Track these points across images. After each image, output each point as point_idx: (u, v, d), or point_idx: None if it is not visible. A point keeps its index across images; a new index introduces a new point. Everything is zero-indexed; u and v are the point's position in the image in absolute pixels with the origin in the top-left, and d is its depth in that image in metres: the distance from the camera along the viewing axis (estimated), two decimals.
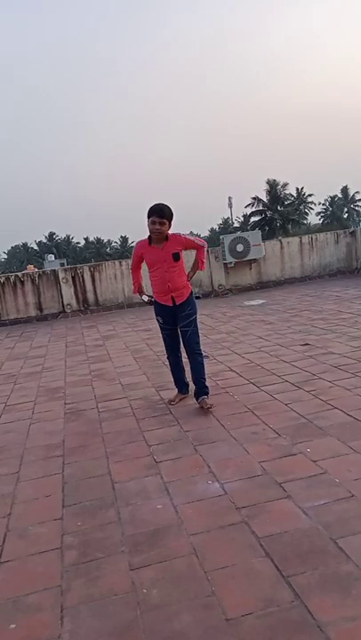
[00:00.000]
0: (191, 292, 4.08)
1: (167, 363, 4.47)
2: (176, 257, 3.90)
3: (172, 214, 3.84)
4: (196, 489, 2.70)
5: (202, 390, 4.01)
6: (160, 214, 3.76)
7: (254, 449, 3.11)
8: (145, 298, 4.31)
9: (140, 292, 4.37)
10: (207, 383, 4.07)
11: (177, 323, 4.07)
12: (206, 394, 4.01)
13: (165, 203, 3.85)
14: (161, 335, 4.29)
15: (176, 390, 4.33)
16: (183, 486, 2.75)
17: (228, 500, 2.55)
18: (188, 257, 4.13)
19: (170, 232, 3.88)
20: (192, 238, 4.09)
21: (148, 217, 3.79)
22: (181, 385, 4.29)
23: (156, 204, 3.81)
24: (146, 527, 2.40)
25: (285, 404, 3.84)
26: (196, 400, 4.03)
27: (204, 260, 4.18)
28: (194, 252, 4.12)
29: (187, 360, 4.14)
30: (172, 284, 3.93)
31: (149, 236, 3.89)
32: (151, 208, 3.80)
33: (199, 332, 4.16)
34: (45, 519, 2.60)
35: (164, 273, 3.91)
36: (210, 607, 1.83)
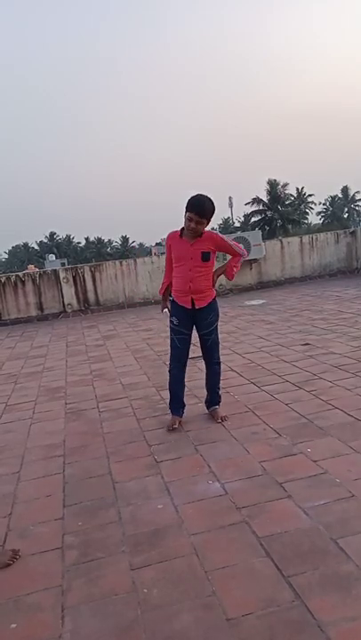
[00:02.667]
0: (214, 299, 3.68)
1: (168, 363, 4.15)
2: (205, 257, 3.49)
3: (213, 212, 3.42)
4: (196, 489, 2.71)
5: (214, 400, 3.79)
6: (200, 212, 3.34)
7: (255, 449, 3.11)
8: (166, 310, 3.81)
9: (164, 299, 3.80)
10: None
11: (196, 329, 3.68)
12: (218, 403, 3.79)
13: (208, 196, 3.41)
14: (170, 340, 3.75)
15: (171, 413, 3.77)
16: (184, 486, 2.76)
17: (229, 499, 2.55)
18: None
19: (206, 229, 3.50)
20: (230, 242, 3.65)
21: (187, 210, 3.37)
22: (180, 406, 3.76)
23: (198, 198, 3.37)
24: (146, 527, 2.41)
25: (286, 404, 3.84)
26: (207, 409, 3.84)
27: (235, 268, 3.69)
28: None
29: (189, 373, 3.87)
30: (193, 285, 3.52)
31: (182, 228, 3.51)
32: (192, 202, 3.35)
33: (220, 339, 3.82)
34: (46, 519, 2.61)
35: (187, 271, 3.51)
36: (210, 607, 1.84)
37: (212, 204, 3.42)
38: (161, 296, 3.87)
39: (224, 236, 3.68)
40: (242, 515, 2.40)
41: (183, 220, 3.44)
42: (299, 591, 1.86)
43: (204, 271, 3.55)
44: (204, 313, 3.63)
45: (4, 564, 2.25)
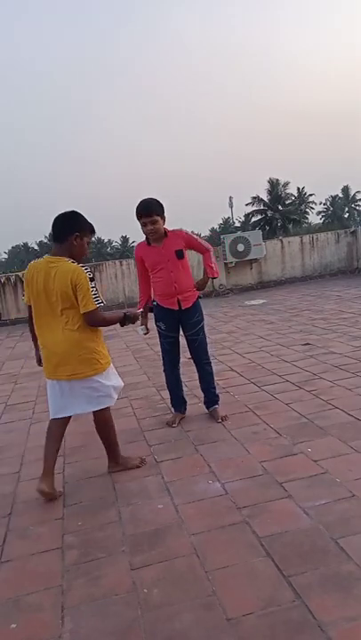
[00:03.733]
0: (198, 297, 3.70)
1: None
2: (180, 254, 3.51)
3: (162, 207, 3.43)
4: (196, 489, 2.70)
5: (212, 399, 3.79)
6: (148, 212, 3.36)
7: (255, 449, 3.11)
8: (140, 330, 3.65)
9: (145, 312, 3.69)
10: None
11: (182, 330, 3.70)
12: (217, 402, 3.79)
13: (152, 197, 3.44)
14: (160, 344, 3.82)
15: (173, 410, 3.88)
16: (184, 486, 2.75)
17: (229, 499, 2.55)
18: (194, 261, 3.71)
19: (169, 228, 3.52)
20: (196, 237, 3.69)
21: (138, 219, 3.42)
22: (180, 403, 3.83)
23: (140, 202, 3.40)
24: (146, 527, 2.40)
25: (286, 404, 3.83)
26: (207, 409, 3.84)
27: (213, 265, 3.63)
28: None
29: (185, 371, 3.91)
30: (178, 285, 3.53)
31: (147, 237, 3.54)
32: (137, 209, 3.40)
33: (207, 339, 3.83)
34: (46, 519, 2.60)
35: (169, 273, 3.51)
36: (211, 607, 1.83)
37: (157, 201, 3.44)
38: (142, 312, 3.63)
39: (189, 231, 3.66)
40: (242, 515, 2.40)
41: (142, 231, 3.48)
42: (299, 591, 1.85)
43: (183, 269, 3.57)
44: (190, 314, 3.65)
45: (135, 465, 3.02)
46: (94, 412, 2.94)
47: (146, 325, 3.68)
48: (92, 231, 2.88)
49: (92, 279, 2.68)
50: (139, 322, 3.61)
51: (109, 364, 2.94)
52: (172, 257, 3.51)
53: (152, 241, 3.53)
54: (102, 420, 3.00)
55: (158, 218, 3.41)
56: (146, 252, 3.59)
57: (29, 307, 2.86)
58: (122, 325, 2.95)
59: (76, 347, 2.73)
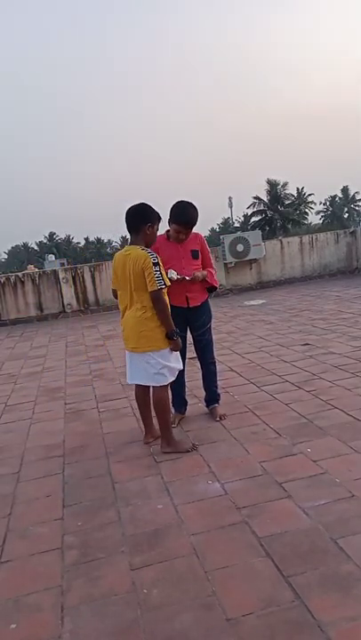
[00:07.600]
0: (207, 299, 3.76)
1: None
2: (195, 254, 3.59)
3: (197, 218, 3.50)
4: (196, 489, 2.71)
5: (213, 397, 3.85)
6: (187, 226, 3.46)
7: (255, 449, 3.11)
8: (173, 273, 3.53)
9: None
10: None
11: (190, 330, 3.75)
12: (217, 401, 3.85)
13: (189, 201, 3.50)
14: None
15: (173, 410, 3.79)
16: (183, 486, 2.76)
17: (229, 499, 2.55)
18: None
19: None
20: (208, 249, 3.74)
21: (173, 222, 3.45)
22: (181, 404, 3.85)
23: (182, 210, 3.45)
24: (146, 527, 2.41)
25: (286, 404, 3.84)
26: (207, 407, 3.89)
27: (214, 277, 3.74)
28: None
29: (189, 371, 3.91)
30: (188, 283, 3.56)
31: (168, 230, 3.59)
32: (177, 214, 3.44)
33: (213, 339, 3.89)
34: (46, 519, 2.61)
35: (181, 270, 3.54)
36: (210, 607, 1.84)
37: (196, 210, 3.50)
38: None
39: (206, 244, 3.73)
40: (242, 515, 2.40)
41: (169, 228, 3.52)
42: (299, 591, 1.86)
43: (196, 269, 3.59)
44: (198, 313, 3.70)
45: (184, 449, 3.18)
46: (152, 389, 3.32)
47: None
48: (160, 218, 3.23)
49: (156, 264, 3.04)
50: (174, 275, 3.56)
51: (168, 345, 3.20)
52: (186, 255, 3.58)
53: (172, 238, 3.59)
54: (156, 399, 3.29)
55: (191, 230, 3.52)
56: (163, 246, 3.57)
57: (113, 290, 3.42)
58: (168, 337, 3.17)
59: (138, 324, 3.15)
